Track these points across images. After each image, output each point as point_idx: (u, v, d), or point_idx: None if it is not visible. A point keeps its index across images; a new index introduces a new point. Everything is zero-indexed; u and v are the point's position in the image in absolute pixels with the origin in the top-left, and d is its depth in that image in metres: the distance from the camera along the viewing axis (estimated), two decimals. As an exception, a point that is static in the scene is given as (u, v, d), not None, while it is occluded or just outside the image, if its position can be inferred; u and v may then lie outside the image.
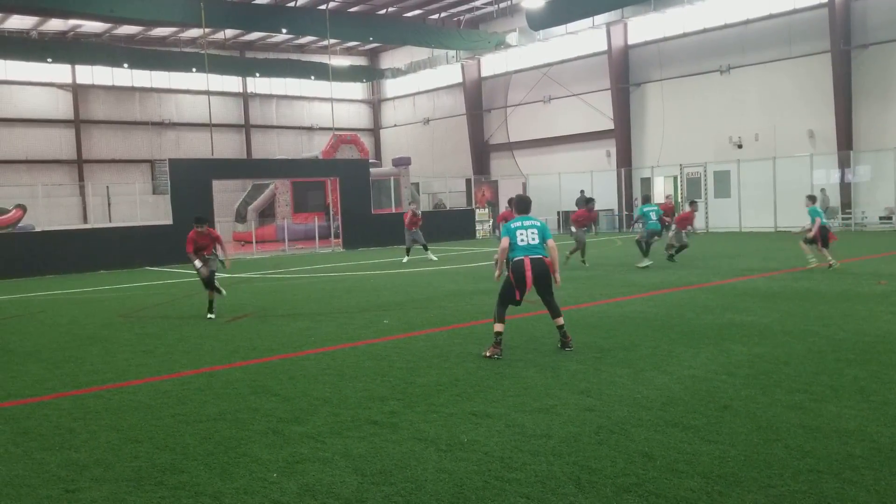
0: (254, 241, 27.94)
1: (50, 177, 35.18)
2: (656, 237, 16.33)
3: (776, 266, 14.58)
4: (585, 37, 34.60)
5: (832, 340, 7.70)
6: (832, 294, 11.00)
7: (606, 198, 33.35)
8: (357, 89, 46.52)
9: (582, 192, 33.62)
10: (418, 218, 20.09)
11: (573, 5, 30.35)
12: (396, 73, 42.95)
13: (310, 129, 44.07)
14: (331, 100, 37.11)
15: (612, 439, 4.86)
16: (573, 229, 17.34)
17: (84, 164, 36.84)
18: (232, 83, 41.34)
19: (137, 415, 5.93)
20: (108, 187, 35.31)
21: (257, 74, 40.26)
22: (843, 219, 26.82)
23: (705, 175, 30.14)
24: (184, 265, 18.46)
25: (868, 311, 9.36)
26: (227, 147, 40.68)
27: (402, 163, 34.48)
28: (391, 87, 46.04)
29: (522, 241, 7.52)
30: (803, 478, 4.12)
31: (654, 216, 16.10)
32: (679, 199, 29.42)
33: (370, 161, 31.11)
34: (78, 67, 36.49)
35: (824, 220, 14.28)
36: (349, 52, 44.39)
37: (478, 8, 37.64)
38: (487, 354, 7.40)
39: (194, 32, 36.51)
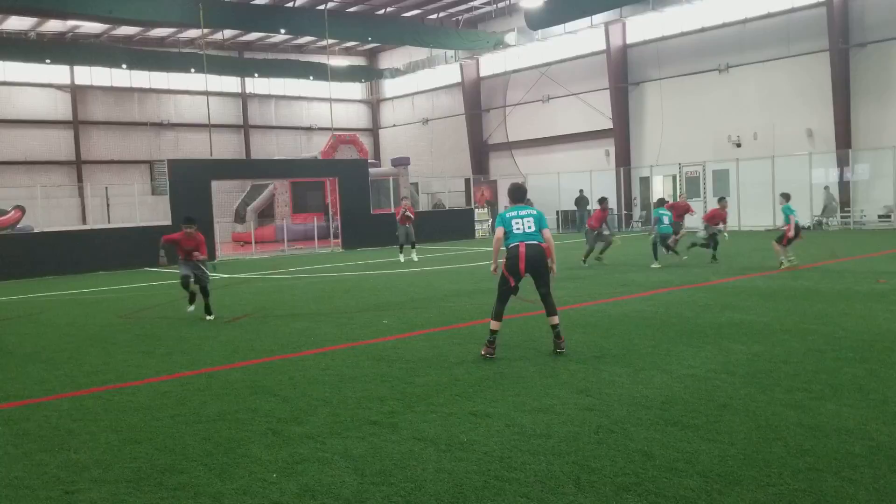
0: (253, 242, 27.93)
1: (49, 178, 35.17)
2: (674, 238, 16.50)
3: (774, 265, 14.58)
4: (584, 36, 34.60)
5: (831, 339, 7.70)
6: (831, 292, 11.01)
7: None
8: (356, 89, 46.51)
9: (581, 191, 33.66)
10: (406, 218, 20.03)
11: (571, 5, 30.34)
12: (395, 73, 42.94)
13: (309, 129, 44.05)
14: (329, 100, 37.09)
15: (611, 438, 4.86)
16: (605, 231, 17.12)
17: (83, 165, 36.82)
18: (230, 83, 41.31)
19: (137, 416, 5.92)
20: (106, 188, 35.26)
21: (256, 75, 40.23)
22: (841, 217, 26.83)
23: (704, 174, 30.15)
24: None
25: (867, 310, 9.37)
26: (226, 147, 40.66)
27: (401, 163, 34.48)
28: (390, 87, 46.03)
29: (518, 228, 7.35)
30: (802, 476, 4.12)
31: (665, 220, 16.17)
32: (677, 198, 29.38)
33: (369, 161, 31.11)
34: (76, 68, 36.45)
35: (798, 219, 14.30)
36: (348, 52, 44.37)
37: (476, 8, 37.63)
38: (482, 353, 7.38)
39: (193, 33, 36.48)
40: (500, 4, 36.56)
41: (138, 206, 30.80)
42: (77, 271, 20.66)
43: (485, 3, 36.82)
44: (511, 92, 38.70)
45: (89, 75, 37.25)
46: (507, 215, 7.48)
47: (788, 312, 9.40)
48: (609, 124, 33.98)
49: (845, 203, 26.95)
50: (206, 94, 33.73)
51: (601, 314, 9.89)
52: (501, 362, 7.19)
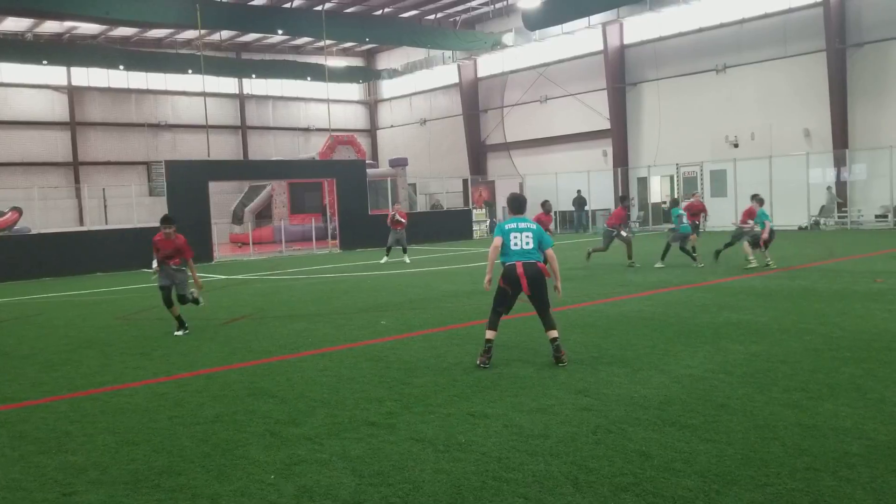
0: (251, 243, 27.91)
1: (46, 179, 35.09)
2: (688, 238, 16.38)
3: (771, 265, 14.61)
4: (581, 37, 34.61)
5: (828, 338, 7.71)
6: (828, 292, 11.02)
7: (603, 197, 33.39)
8: (353, 90, 46.49)
9: (578, 191, 33.67)
10: (397, 222, 19.97)
11: (569, 5, 30.38)
12: (393, 73, 42.94)
13: (306, 130, 44.02)
14: (327, 101, 37.08)
15: (609, 439, 4.86)
16: (623, 233, 16.22)
17: (80, 167, 36.76)
18: (228, 84, 41.29)
19: (134, 417, 5.92)
20: (104, 189, 35.22)
21: (253, 76, 40.18)
22: (839, 217, 26.87)
23: (702, 174, 30.16)
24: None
25: (864, 309, 9.39)
26: (224, 148, 40.62)
27: (398, 163, 34.47)
28: (388, 87, 46.02)
29: (516, 245, 7.16)
30: (800, 476, 4.13)
31: (684, 219, 15.91)
32: (677, 198, 29.42)
33: (367, 162, 31.10)
34: (73, 69, 36.39)
35: (772, 224, 14.79)
36: (345, 52, 44.35)
37: (474, 8, 37.65)
38: (478, 363, 7.16)
39: (190, 34, 36.45)
40: (498, 5, 36.57)
41: (136, 207, 30.77)
42: (74, 273, 20.63)
43: (482, 4, 36.84)
44: (509, 92, 38.71)
45: (86, 76, 37.20)
46: (507, 227, 7.27)
47: (786, 312, 9.41)
48: (606, 125, 34.00)
49: (842, 203, 26.98)
50: (204, 94, 33.67)
51: (599, 314, 9.90)
52: (500, 363, 7.19)
